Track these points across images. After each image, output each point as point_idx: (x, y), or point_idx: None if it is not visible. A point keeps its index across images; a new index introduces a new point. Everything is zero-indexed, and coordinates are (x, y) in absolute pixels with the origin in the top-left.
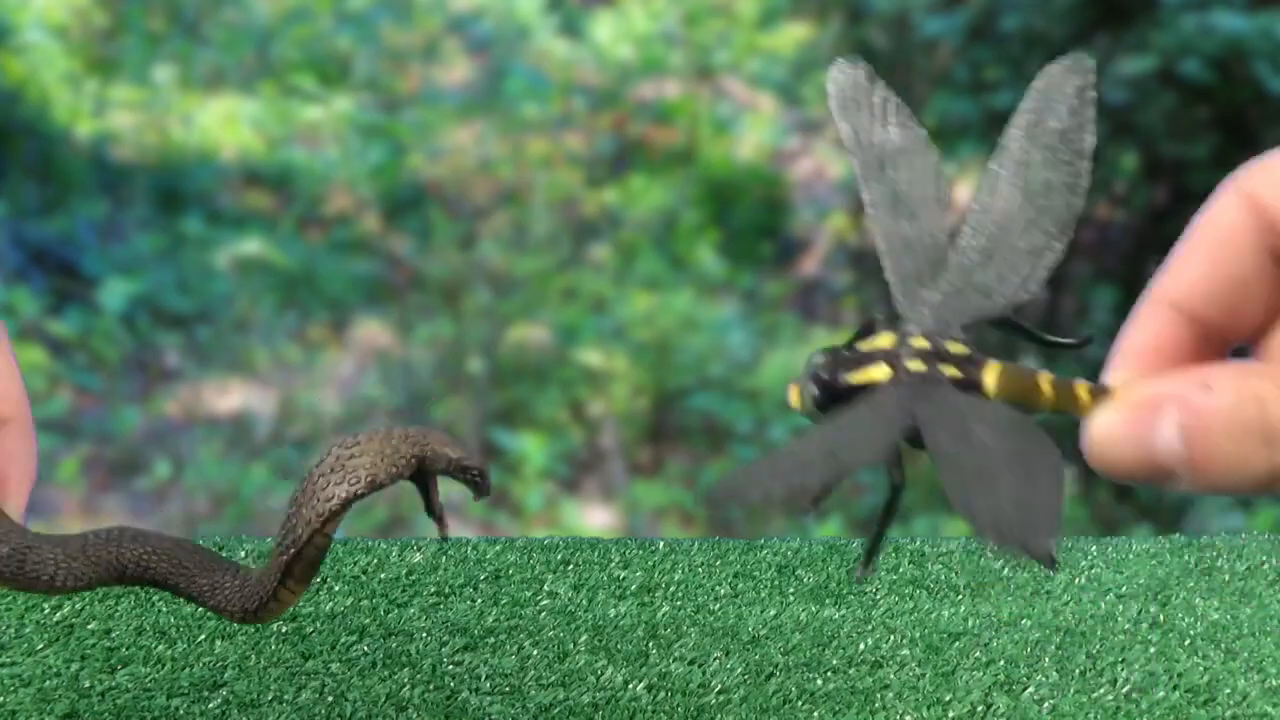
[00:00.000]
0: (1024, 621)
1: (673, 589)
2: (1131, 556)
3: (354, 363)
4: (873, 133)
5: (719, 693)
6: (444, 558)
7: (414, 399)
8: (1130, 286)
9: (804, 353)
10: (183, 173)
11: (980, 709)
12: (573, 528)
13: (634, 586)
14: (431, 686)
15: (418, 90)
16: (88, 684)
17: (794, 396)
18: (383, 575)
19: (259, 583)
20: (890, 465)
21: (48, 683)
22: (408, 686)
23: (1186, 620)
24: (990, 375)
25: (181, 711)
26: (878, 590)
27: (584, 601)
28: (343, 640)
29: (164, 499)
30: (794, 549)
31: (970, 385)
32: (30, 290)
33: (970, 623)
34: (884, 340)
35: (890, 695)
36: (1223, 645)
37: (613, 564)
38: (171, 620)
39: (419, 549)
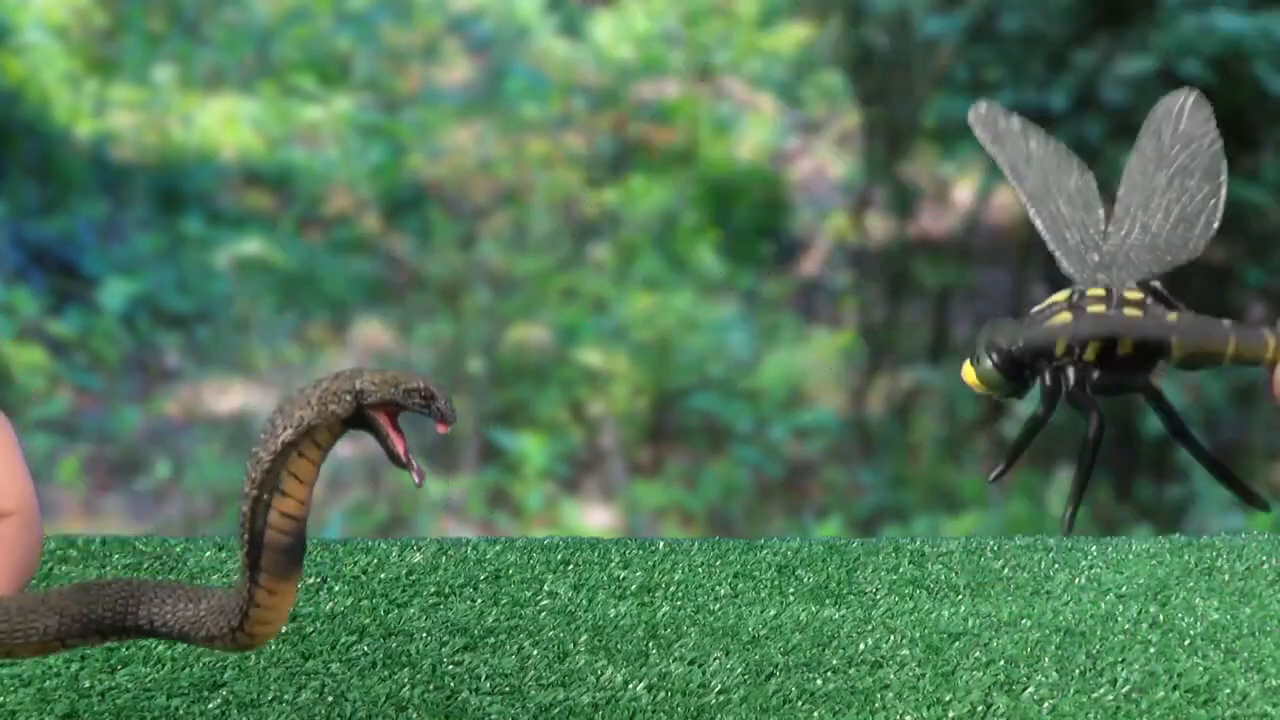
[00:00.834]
0: (1024, 621)
1: (673, 589)
2: (1131, 556)
3: (354, 363)
4: (1015, 144)
5: (719, 693)
6: (444, 558)
7: None
8: None
9: (804, 353)
10: (183, 173)
11: (980, 709)
12: (573, 528)
13: (634, 586)
14: (431, 686)
15: (418, 90)
16: (88, 684)
17: (970, 374)
18: (383, 575)
19: (235, 594)
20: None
21: (48, 683)
22: (408, 686)
23: (1186, 620)
24: (1172, 315)
25: (181, 711)
26: (878, 590)
27: (584, 601)
28: (343, 640)
29: (164, 499)
30: (794, 549)
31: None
32: (30, 290)
33: (970, 623)
34: (1059, 297)
35: (890, 695)
36: (1223, 645)
37: (613, 564)
38: None
39: (419, 549)
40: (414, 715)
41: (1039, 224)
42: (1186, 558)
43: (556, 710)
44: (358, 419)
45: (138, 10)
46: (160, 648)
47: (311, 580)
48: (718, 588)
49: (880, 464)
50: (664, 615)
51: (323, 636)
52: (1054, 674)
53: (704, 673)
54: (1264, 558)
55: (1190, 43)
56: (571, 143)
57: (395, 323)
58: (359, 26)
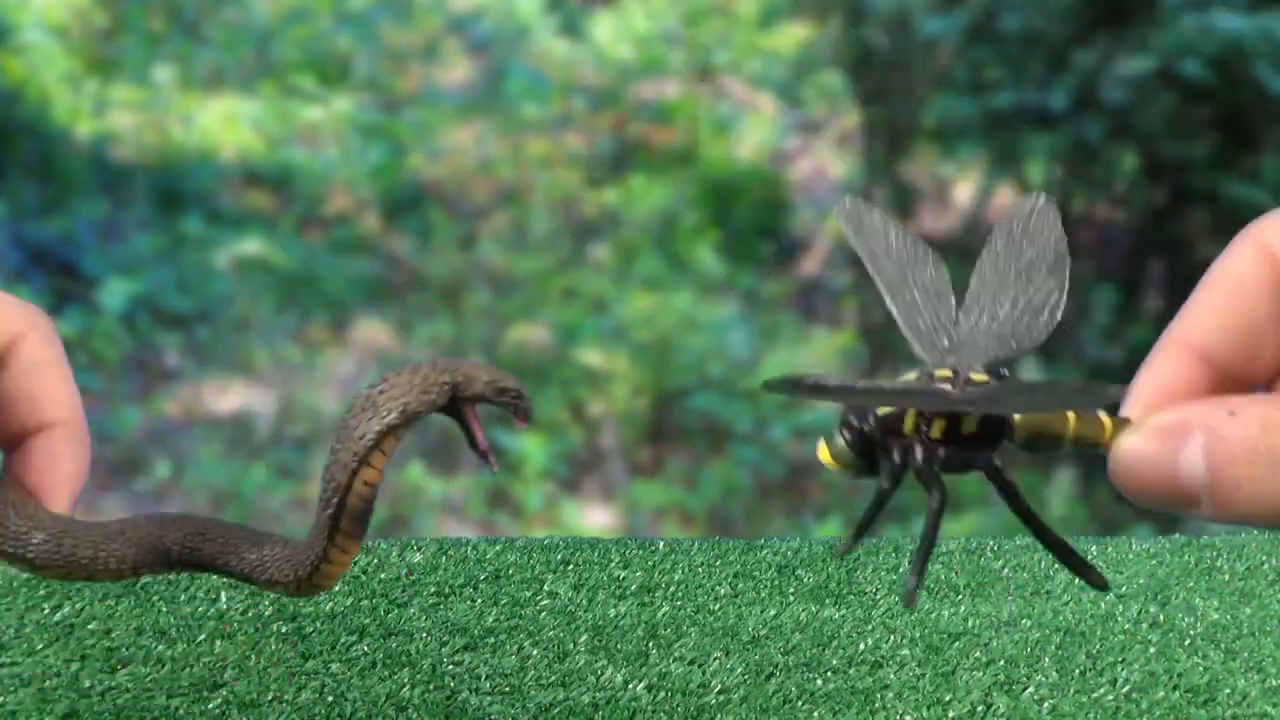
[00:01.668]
0: (1024, 621)
1: (673, 589)
2: (1131, 556)
3: (354, 363)
4: (876, 237)
5: (719, 693)
6: (444, 558)
7: None
8: (1130, 286)
9: (804, 353)
10: (183, 173)
11: (980, 709)
12: (573, 528)
13: (634, 586)
14: (431, 686)
15: (418, 90)
16: (88, 684)
17: (824, 453)
18: (383, 575)
19: (308, 547)
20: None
21: (48, 683)
22: (408, 686)
23: (1186, 620)
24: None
25: (181, 711)
26: (878, 590)
27: (584, 601)
28: (343, 640)
29: (164, 499)
30: (794, 549)
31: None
32: (30, 290)
33: (970, 623)
34: (909, 377)
35: (890, 695)
36: (1223, 645)
37: (613, 564)
38: (171, 620)
39: (419, 549)
40: (414, 715)
41: (894, 311)
42: (1186, 558)
43: (556, 710)
44: (448, 408)
45: (138, 10)
46: (160, 647)
47: None
48: (718, 588)
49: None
50: (664, 615)
51: (323, 636)
52: (1054, 674)
53: (704, 673)
54: (1264, 558)
55: (1190, 43)
56: (571, 143)
57: (395, 323)
58: (359, 26)
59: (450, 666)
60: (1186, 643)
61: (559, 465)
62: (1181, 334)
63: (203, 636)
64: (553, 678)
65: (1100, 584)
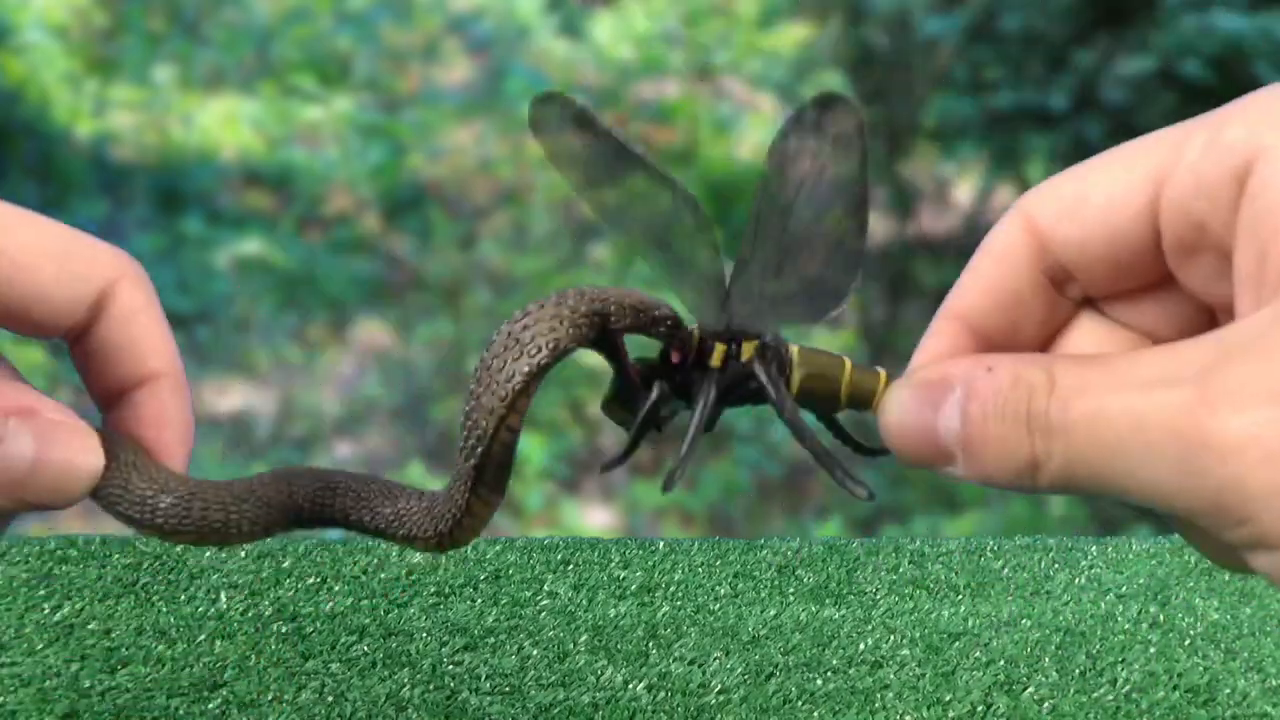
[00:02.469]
0: (1024, 621)
1: (673, 589)
2: (1131, 556)
3: (354, 363)
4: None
5: (719, 693)
6: (444, 558)
7: (414, 399)
8: None
9: None
10: (183, 173)
11: (980, 709)
12: (573, 528)
13: (634, 586)
14: (431, 686)
15: (418, 90)
16: (88, 684)
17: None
18: (383, 575)
19: (448, 499)
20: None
21: (48, 683)
22: (408, 686)
23: (1186, 620)
24: (794, 349)
25: (181, 711)
26: (878, 590)
27: (584, 601)
28: (343, 640)
29: None
30: (794, 549)
31: (779, 365)
32: None
33: (970, 623)
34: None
35: (890, 695)
36: (1223, 645)
37: (613, 564)
38: (171, 620)
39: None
40: (414, 715)
41: (661, 269)
42: (1186, 558)
43: (556, 710)
44: (596, 341)
45: (138, 10)
46: (160, 647)
47: (311, 580)
48: (718, 588)
49: (880, 464)
50: (664, 615)
51: (323, 636)
52: (1054, 674)
53: (704, 673)
54: None
55: (1190, 43)
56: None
57: (395, 323)
58: (359, 26)
59: (450, 666)
60: (1186, 643)
61: (559, 465)
62: (952, 305)
63: (203, 636)
64: (553, 678)
65: (865, 495)
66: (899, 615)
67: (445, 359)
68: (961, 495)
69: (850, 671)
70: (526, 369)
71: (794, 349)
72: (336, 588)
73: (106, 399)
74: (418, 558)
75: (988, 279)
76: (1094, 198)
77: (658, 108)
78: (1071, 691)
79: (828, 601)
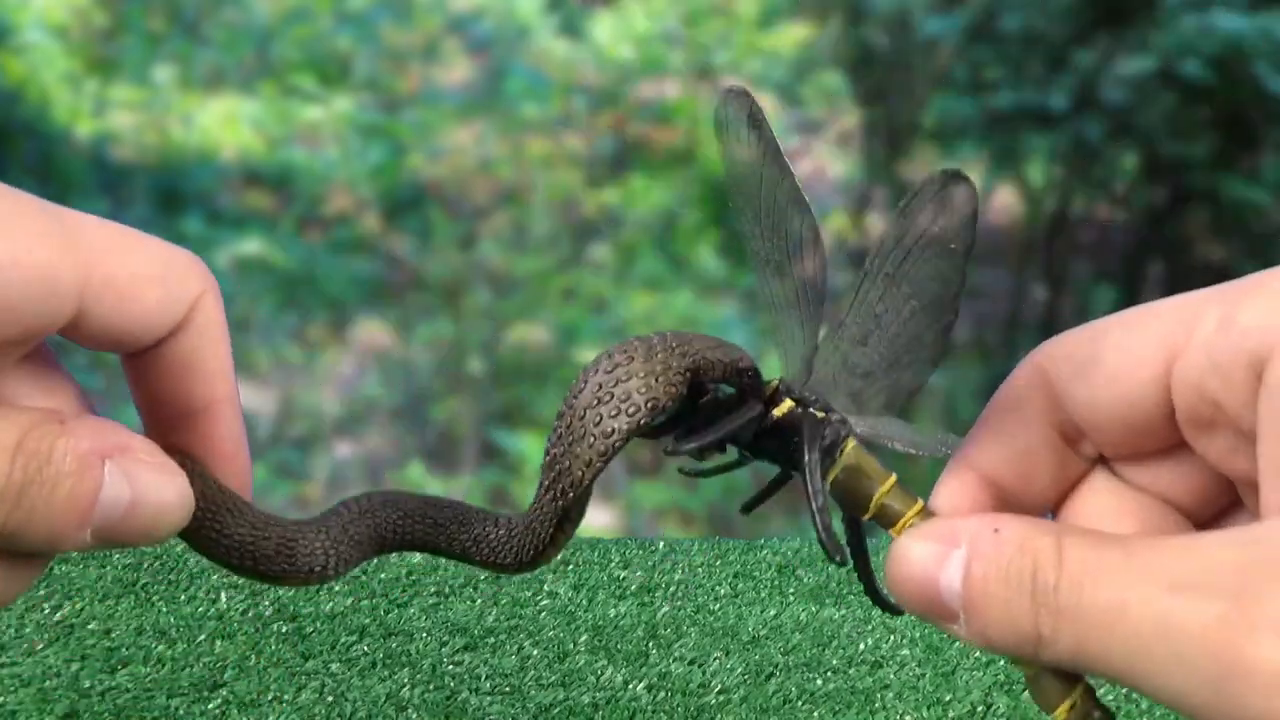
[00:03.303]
0: None
1: (673, 589)
2: None
3: (354, 363)
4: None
5: (719, 693)
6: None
7: (414, 399)
8: (1130, 286)
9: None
10: (183, 173)
11: (980, 709)
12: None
13: (634, 586)
14: (431, 686)
15: (418, 90)
16: (88, 684)
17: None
18: (383, 575)
19: (530, 531)
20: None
21: (48, 683)
22: (408, 686)
23: None
24: (850, 443)
25: (181, 711)
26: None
27: (584, 601)
28: (343, 640)
29: None
30: (794, 549)
31: (828, 445)
32: None
33: None
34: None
35: (890, 695)
36: None
37: (613, 564)
38: (171, 620)
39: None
40: (414, 715)
41: (773, 311)
42: None
43: (556, 710)
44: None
45: (138, 10)
46: (160, 647)
47: None
48: (718, 588)
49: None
50: (664, 615)
51: (323, 636)
52: None
53: (704, 673)
54: None
55: (1190, 43)
56: (571, 143)
57: (395, 323)
58: (359, 26)
59: (450, 666)
60: None
61: None
62: (965, 453)
63: (203, 636)
64: (553, 678)
65: (838, 561)
66: (899, 615)
67: (445, 359)
68: None
69: (850, 671)
70: (626, 427)
71: (850, 442)
72: (336, 588)
73: (164, 420)
74: (417, 558)
75: (1000, 430)
76: (1107, 361)
77: (658, 108)
78: None
79: (828, 601)
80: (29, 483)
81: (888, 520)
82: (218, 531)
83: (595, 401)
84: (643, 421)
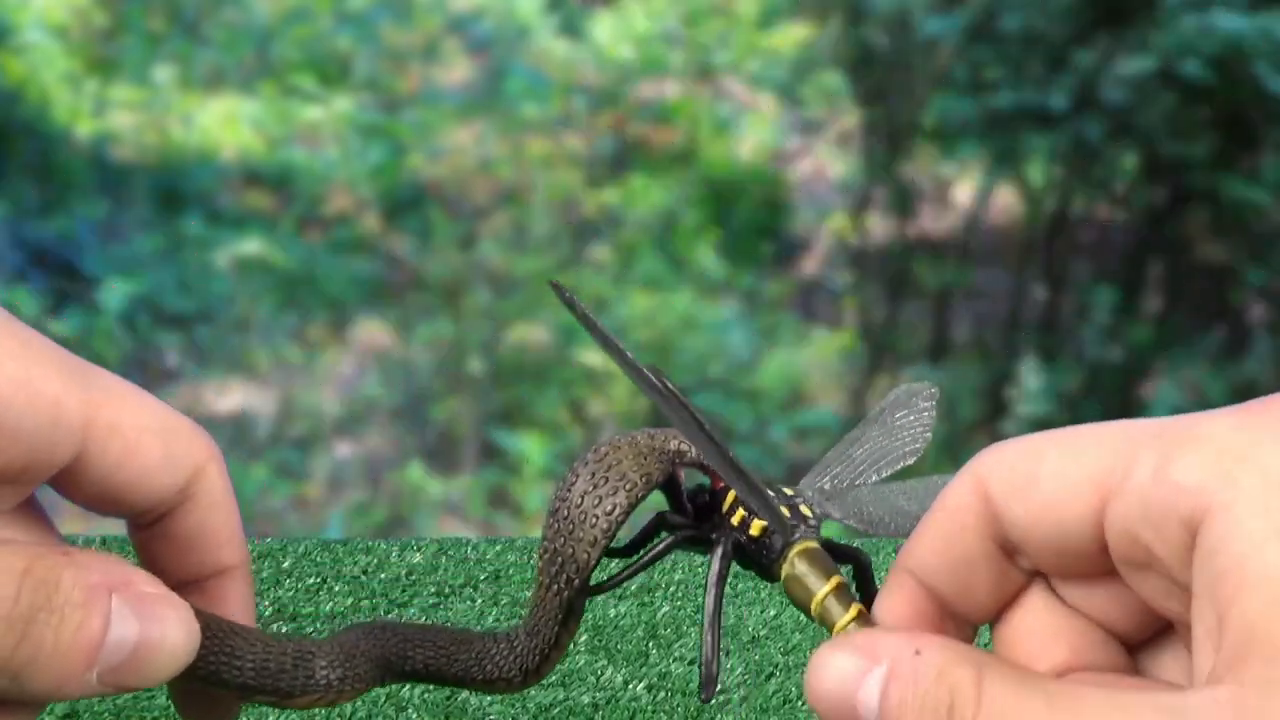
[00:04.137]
0: None
1: (673, 589)
2: None
3: (354, 363)
4: (895, 417)
5: (719, 693)
6: (444, 558)
7: (414, 399)
8: (1130, 286)
9: (804, 353)
10: (183, 173)
11: None
12: None
13: (634, 586)
14: (431, 686)
15: (418, 90)
16: None
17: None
18: (383, 575)
19: (534, 634)
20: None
21: None
22: (408, 686)
23: None
24: (802, 544)
25: None
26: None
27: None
28: None
29: None
30: None
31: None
32: (30, 290)
33: None
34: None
35: None
36: None
37: (613, 564)
38: None
39: (419, 549)
40: (414, 715)
41: (829, 454)
42: None
43: (556, 710)
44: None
45: (138, 10)
46: None
47: (311, 580)
48: None
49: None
50: (664, 615)
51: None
52: None
53: None
54: None
55: (1190, 43)
56: (571, 143)
57: (395, 323)
58: (359, 26)
59: None
60: None
61: (559, 465)
62: (905, 560)
63: None
64: (553, 678)
65: (704, 698)
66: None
67: (445, 359)
68: None
69: None
70: (626, 502)
71: (799, 547)
72: (336, 588)
73: (172, 586)
74: (417, 558)
75: (939, 539)
76: (1042, 485)
77: (658, 108)
78: None
79: None
80: (37, 609)
81: (827, 623)
82: (229, 656)
83: (591, 488)
84: (641, 495)
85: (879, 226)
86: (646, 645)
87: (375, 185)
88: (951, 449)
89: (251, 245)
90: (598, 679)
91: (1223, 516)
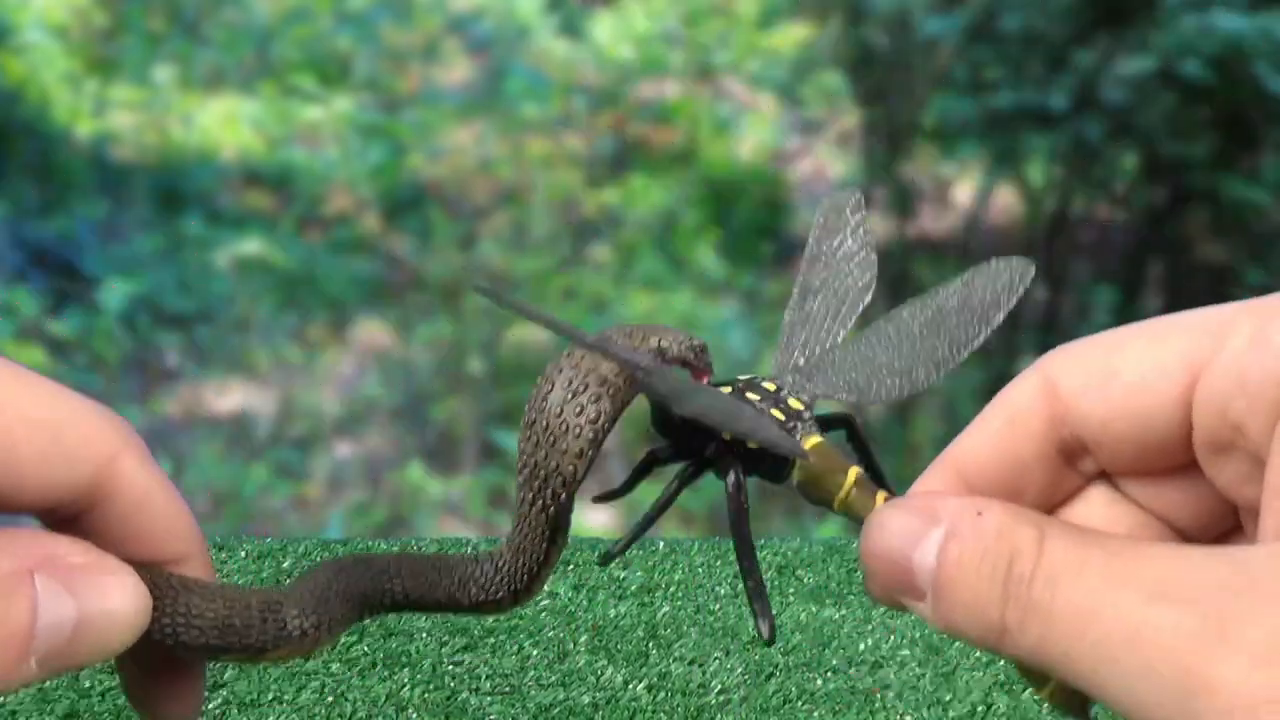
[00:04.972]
0: None
1: (673, 589)
2: None
3: (354, 363)
4: (831, 241)
5: (719, 693)
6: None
7: (414, 399)
8: (1130, 286)
9: None
10: (183, 173)
11: (980, 709)
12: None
13: (634, 586)
14: (431, 686)
15: (418, 90)
16: (88, 684)
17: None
18: None
19: (520, 553)
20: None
21: (48, 683)
22: (408, 686)
23: None
24: (807, 442)
25: None
26: None
27: (584, 601)
28: (342, 640)
29: None
30: (794, 549)
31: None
32: (30, 290)
33: None
34: (745, 376)
35: (890, 695)
36: None
37: (613, 564)
38: None
39: (419, 549)
40: (414, 715)
41: (785, 316)
42: None
43: (556, 710)
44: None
45: (138, 10)
46: None
47: None
48: (718, 588)
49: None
50: (664, 615)
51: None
52: None
53: (704, 673)
54: None
55: (1190, 43)
56: (571, 143)
57: (395, 323)
58: (359, 26)
59: (450, 666)
60: None
61: None
62: (953, 456)
63: None
64: (553, 678)
65: (767, 637)
66: (899, 615)
67: (445, 359)
68: None
69: (850, 671)
70: (610, 408)
71: (806, 444)
72: None
73: None
74: None
75: (995, 440)
76: (1125, 374)
77: (658, 108)
78: None
79: (828, 601)
80: None
81: (854, 516)
82: (187, 616)
83: (570, 396)
84: (625, 400)
85: (879, 226)
86: (646, 645)
87: (375, 185)
88: None
89: (251, 245)
90: (598, 679)
91: None
